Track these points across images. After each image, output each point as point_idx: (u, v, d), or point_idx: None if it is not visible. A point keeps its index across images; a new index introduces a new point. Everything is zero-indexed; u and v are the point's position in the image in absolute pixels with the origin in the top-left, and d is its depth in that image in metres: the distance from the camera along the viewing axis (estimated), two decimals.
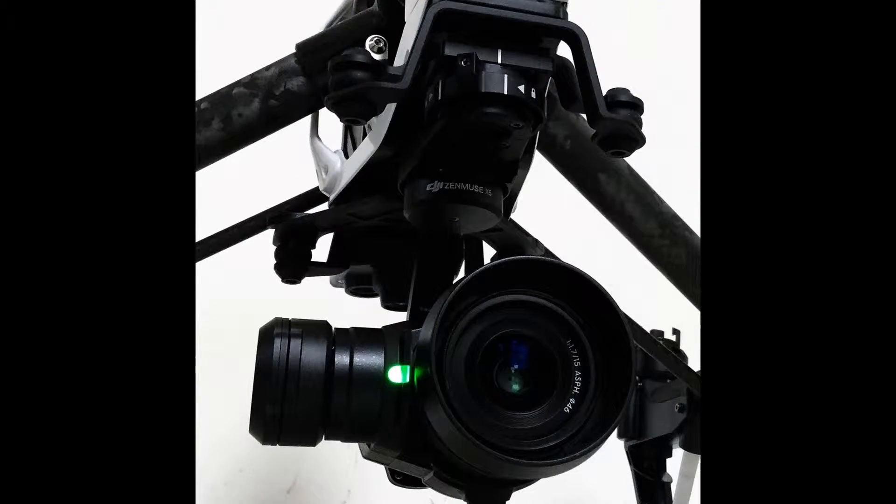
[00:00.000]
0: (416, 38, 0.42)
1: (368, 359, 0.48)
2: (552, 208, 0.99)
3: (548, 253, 0.61)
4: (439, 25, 0.42)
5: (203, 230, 0.59)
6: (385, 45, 0.54)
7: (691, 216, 0.72)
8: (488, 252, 0.60)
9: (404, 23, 0.48)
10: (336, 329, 0.50)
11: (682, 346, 0.91)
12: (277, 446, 0.49)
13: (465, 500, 0.48)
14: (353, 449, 0.53)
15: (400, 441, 0.48)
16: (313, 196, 0.64)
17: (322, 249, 0.63)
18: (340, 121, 0.44)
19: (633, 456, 0.92)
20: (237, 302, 1.04)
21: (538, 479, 0.47)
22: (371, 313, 0.63)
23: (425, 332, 0.46)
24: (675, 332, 0.91)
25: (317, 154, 0.63)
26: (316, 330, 0.49)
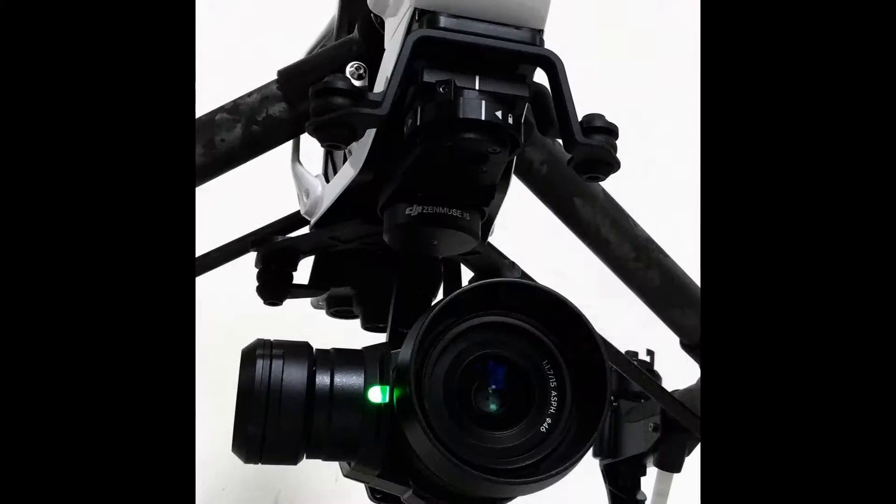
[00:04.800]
0: (396, 64, 0.43)
1: (349, 379, 0.49)
2: (528, 230, 1.00)
3: (524, 275, 0.62)
4: (418, 53, 0.43)
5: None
6: (365, 71, 0.55)
7: (667, 237, 0.74)
8: (466, 274, 0.61)
9: (384, 50, 0.49)
10: (317, 350, 0.51)
11: (657, 367, 0.92)
12: (259, 465, 0.49)
13: None
14: (333, 467, 0.54)
15: (379, 460, 0.49)
16: (295, 219, 0.64)
17: (303, 272, 0.64)
18: (321, 146, 0.44)
19: (609, 475, 0.93)
20: (219, 324, 1.04)
21: (515, 497, 0.48)
22: (351, 335, 0.64)
23: (404, 352, 0.47)
24: (650, 352, 0.92)
25: (298, 178, 0.64)
26: (297, 351, 0.50)
